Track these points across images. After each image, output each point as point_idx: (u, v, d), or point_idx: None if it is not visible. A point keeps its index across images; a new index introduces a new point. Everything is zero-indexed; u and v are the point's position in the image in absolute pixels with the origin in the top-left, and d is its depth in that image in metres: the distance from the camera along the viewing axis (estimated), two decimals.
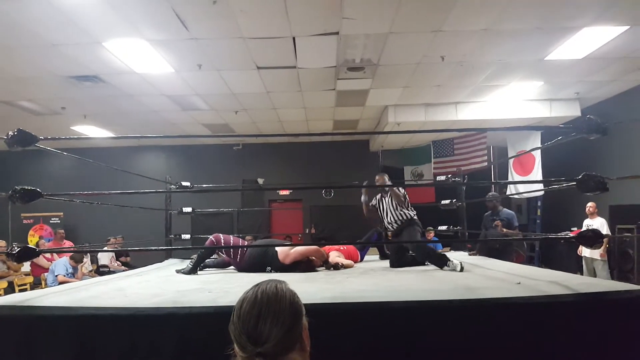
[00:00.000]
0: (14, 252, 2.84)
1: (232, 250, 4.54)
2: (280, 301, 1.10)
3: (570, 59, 6.97)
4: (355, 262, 5.17)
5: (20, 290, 7.19)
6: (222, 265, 4.81)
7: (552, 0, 5.22)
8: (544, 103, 9.22)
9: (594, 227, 6.95)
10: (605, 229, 7.43)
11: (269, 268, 4.36)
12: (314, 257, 4.56)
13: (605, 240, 7.10)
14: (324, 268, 4.63)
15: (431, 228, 8.37)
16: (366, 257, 5.71)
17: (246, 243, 5.47)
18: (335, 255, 4.88)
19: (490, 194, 7.01)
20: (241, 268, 4.49)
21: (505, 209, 6.98)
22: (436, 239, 8.68)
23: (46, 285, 7.31)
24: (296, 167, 12.67)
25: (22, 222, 11.62)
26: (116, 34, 5.68)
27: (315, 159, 12.60)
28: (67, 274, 7.24)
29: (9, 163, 12.11)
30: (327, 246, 5.01)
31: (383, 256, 5.78)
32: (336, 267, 4.57)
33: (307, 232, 11.73)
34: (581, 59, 6.92)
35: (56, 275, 7.15)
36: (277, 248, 4.46)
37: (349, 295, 2.74)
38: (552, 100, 9.18)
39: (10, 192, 2.85)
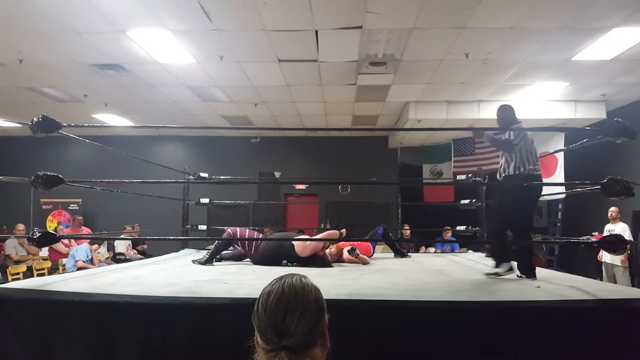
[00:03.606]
0: (35, 236, 2.88)
1: (247, 242, 4.56)
2: (307, 295, 1.10)
3: (597, 60, 6.82)
4: (369, 257, 5.16)
5: (39, 275, 7.30)
6: (237, 258, 4.84)
7: (582, 0, 5.11)
8: (569, 104, 9.05)
9: (616, 232, 6.83)
10: (627, 235, 7.30)
11: (284, 261, 4.37)
12: (330, 250, 4.59)
13: (627, 246, 6.97)
14: (340, 263, 4.64)
15: (449, 227, 8.29)
16: (381, 255, 5.67)
17: (262, 235, 5.50)
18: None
19: None
20: (257, 260, 4.50)
21: None
22: (454, 239, 8.61)
23: (64, 270, 7.42)
24: (313, 162, 12.64)
25: (41, 208, 11.79)
26: (140, 23, 5.70)
27: (332, 154, 12.56)
28: (87, 260, 7.36)
29: (28, 148, 12.32)
30: (341, 242, 5.01)
31: (397, 254, 5.74)
32: (351, 252, 4.59)
33: (322, 227, 11.71)
34: (609, 60, 6.77)
35: (77, 261, 7.25)
36: (293, 241, 4.50)
37: (364, 292, 2.72)
38: (577, 101, 9.00)
39: (33, 177, 2.88)
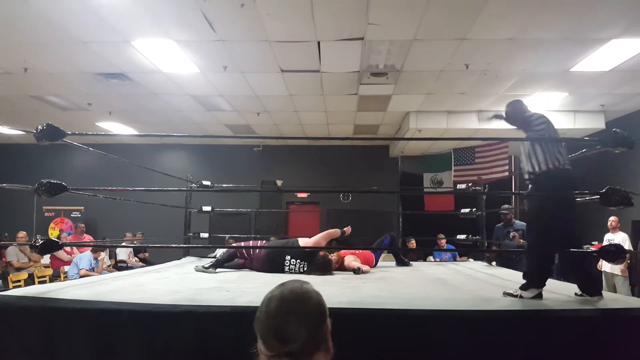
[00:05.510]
0: (38, 244, 2.91)
1: (251, 250, 4.63)
2: (308, 301, 1.09)
3: (596, 71, 6.87)
4: (371, 267, 5.16)
5: (40, 282, 7.31)
6: (239, 265, 4.84)
7: (580, 11, 5.15)
8: (568, 114, 9.08)
9: (616, 241, 6.84)
10: (627, 244, 7.31)
11: (288, 257, 4.42)
12: (334, 256, 4.63)
13: (626, 255, 6.97)
14: (341, 271, 4.66)
15: (442, 235, 8.30)
16: (382, 263, 5.69)
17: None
18: (351, 259, 4.88)
19: (504, 206, 6.95)
20: (259, 263, 4.54)
21: (518, 221, 6.92)
22: (451, 247, 8.60)
23: (65, 278, 7.43)
24: (315, 170, 12.68)
25: (43, 215, 11.81)
26: (145, 33, 5.76)
27: (334, 163, 12.60)
28: (90, 269, 7.37)
29: (32, 156, 12.37)
30: (343, 250, 5.02)
31: (399, 262, 5.75)
32: (357, 271, 4.58)
33: None
34: (608, 71, 6.82)
35: (80, 269, 7.26)
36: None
37: (365, 301, 2.74)
38: (576, 111, 9.04)
39: (36, 185, 2.92)
